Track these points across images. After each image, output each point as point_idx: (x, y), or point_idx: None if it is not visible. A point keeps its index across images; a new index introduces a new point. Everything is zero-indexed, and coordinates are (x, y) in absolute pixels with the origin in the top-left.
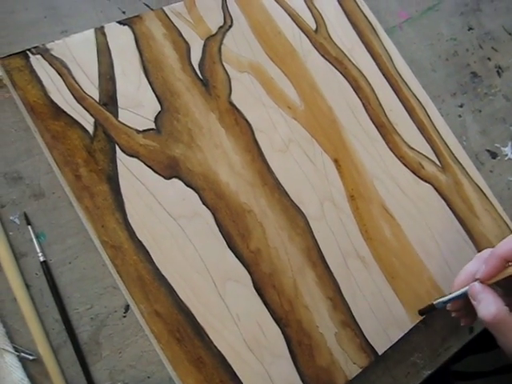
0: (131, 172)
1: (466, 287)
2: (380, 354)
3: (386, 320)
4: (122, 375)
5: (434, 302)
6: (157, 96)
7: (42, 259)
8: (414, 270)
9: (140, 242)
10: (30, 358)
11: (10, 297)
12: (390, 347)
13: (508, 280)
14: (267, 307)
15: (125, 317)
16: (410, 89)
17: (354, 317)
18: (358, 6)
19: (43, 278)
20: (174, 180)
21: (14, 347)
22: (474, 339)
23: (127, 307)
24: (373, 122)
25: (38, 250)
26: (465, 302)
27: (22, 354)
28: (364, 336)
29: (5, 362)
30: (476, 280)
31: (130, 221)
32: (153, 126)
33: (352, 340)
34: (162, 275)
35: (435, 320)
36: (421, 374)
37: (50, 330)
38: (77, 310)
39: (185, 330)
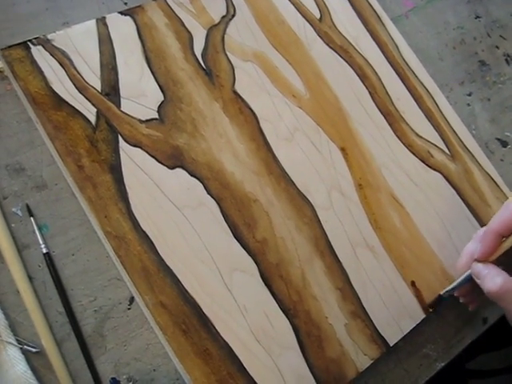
0: (134, 162)
1: (469, 271)
2: (391, 345)
3: (397, 311)
4: (127, 368)
5: (441, 293)
6: (160, 86)
7: (44, 251)
8: (425, 259)
9: (144, 232)
10: (34, 350)
11: (12, 289)
12: (402, 339)
13: (507, 256)
14: (275, 298)
15: (129, 309)
16: (417, 77)
17: (363, 307)
18: None
19: (46, 270)
20: (178, 170)
21: (17, 340)
22: (487, 337)
23: (132, 299)
24: (380, 111)
25: (41, 241)
26: (471, 285)
27: (25, 347)
28: (375, 327)
29: (8, 355)
30: (475, 261)
31: (133, 211)
32: (156, 115)
33: (362, 331)
34: (167, 266)
35: (448, 311)
36: (434, 366)
37: (53, 322)
38: (80, 302)
39: (191, 321)
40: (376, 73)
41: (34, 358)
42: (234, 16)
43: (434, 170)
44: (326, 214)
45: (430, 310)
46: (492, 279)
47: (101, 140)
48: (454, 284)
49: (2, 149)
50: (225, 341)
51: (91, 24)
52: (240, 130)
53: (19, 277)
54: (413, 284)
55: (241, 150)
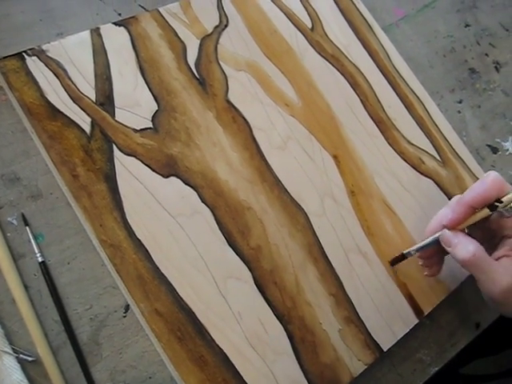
0: (129, 171)
1: (437, 234)
2: (385, 350)
3: (390, 316)
4: (123, 376)
5: (405, 252)
6: (153, 95)
7: (40, 260)
8: (417, 264)
9: (139, 240)
10: (29, 359)
11: (8, 298)
12: (396, 344)
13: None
14: (269, 304)
15: (125, 317)
16: (408, 85)
17: (357, 313)
18: (354, 4)
19: (42, 279)
20: (172, 178)
21: (13, 349)
22: (481, 342)
23: (127, 307)
24: (371, 118)
25: (37, 250)
26: (434, 250)
27: (21, 356)
28: (368, 332)
29: (3, 364)
30: (444, 227)
31: (128, 219)
32: (150, 125)
33: (356, 336)
34: (162, 274)
35: (441, 316)
36: (428, 371)
37: (49, 330)
38: (76, 310)
39: (186, 328)
40: (367, 81)
41: (30, 367)
42: (226, 26)
43: (426, 176)
44: (319, 220)
45: (391, 267)
46: (465, 247)
47: (95, 149)
48: (420, 244)
49: None
50: (220, 347)
51: (85, 35)
52: (233, 138)
53: (15, 286)
54: (405, 289)
55: (234, 158)
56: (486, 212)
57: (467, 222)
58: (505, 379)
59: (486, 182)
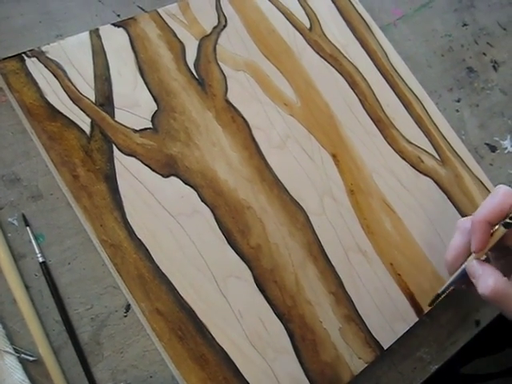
0: (129, 171)
1: (463, 266)
2: (385, 348)
3: (390, 314)
4: (125, 375)
5: (439, 292)
6: (153, 96)
7: (41, 260)
8: (417, 262)
9: (139, 240)
10: (31, 359)
11: (9, 298)
12: (396, 342)
13: (500, 244)
14: (269, 303)
15: (126, 316)
16: (406, 84)
17: (357, 311)
18: (352, 4)
19: (43, 279)
20: (172, 178)
21: (15, 348)
22: (482, 341)
23: (128, 306)
24: (370, 117)
25: (37, 251)
26: (466, 278)
27: (23, 356)
28: (369, 330)
29: (5, 364)
30: (471, 253)
31: (128, 219)
32: (150, 125)
33: (356, 335)
34: (163, 273)
35: (441, 314)
36: (428, 369)
37: (50, 330)
38: (77, 310)
39: (186, 327)
40: (366, 80)
41: (32, 367)
42: (225, 26)
43: (425, 175)
44: (319, 219)
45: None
46: (485, 281)
47: (95, 150)
48: (450, 281)
49: None
50: (220, 346)
51: (85, 36)
52: (233, 138)
53: (16, 286)
54: (405, 287)
55: (234, 157)
56: (501, 231)
57: (491, 241)
58: (505, 378)
59: (498, 195)
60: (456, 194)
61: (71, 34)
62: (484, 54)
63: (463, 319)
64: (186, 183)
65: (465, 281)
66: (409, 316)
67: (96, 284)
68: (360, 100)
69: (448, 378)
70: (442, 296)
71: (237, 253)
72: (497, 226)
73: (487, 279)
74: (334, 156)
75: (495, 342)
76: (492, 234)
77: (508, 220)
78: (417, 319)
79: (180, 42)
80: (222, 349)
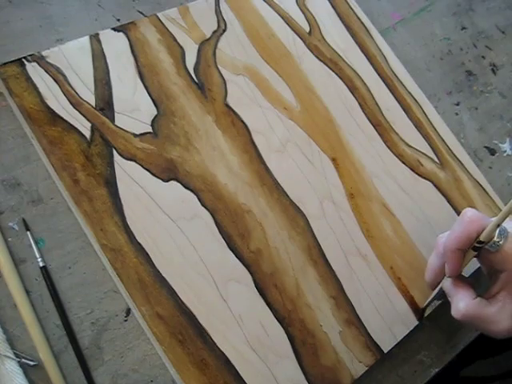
0: (129, 175)
1: (440, 285)
2: (386, 351)
3: (390, 317)
4: (125, 379)
5: (424, 306)
6: (153, 100)
7: (41, 265)
8: (417, 266)
9: (140, 244)
10: (31, 363)
11: (10, 303)
12: (396, 345)
13: (480, 260)
14: (269, 307)
15: (126, 320)
16: (405, 88)
17: (357, 315)
18: (351, 8)
19: (43, 284)
20: (172, 182)
21: (15, 353)
22: (482, 343)
23: (128, 311)
24: (370, 121)
25: (38, 255)
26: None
27: (23, 360)
28: (369, 334)
29: (5, 369)
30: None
31: (129, 224)
32: (149, 129)
33: (357, 338)
34: (163, 277)
35: (441, 317)
36: (428, 372)
37: (50, 335)
38: (77, 314)
39: (187, 331)
40: (365, 84)
41: (32, 372)
42: (224, 31)
43: (424, 178)
44: (319, 223)
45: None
46: (456, 305)
47: (96, 154)
48: (432, 297)
49: None
50: (221, 350)
51: (85, 40)
52: (232, 142)
53: (16, 291)
54: (405, 291)
55: (234, 162)
56: (471, 253)
57: (463, 265)
58: (505, 380)
59: (464, 221)
60: (455, 197)
61: (71, 39)
62: (483, 57)
63: None
64: (186, 187)
65: (444, 296)
66: (409, 319)
67: (96, 288)
68: (360, 104)
69: (448, 380)
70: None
71: (237, 257)
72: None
73: (458, 303)
74: (333, 160)
75: (495, 344)
76: (464, 256)
77: (476, 244)
78: (417, 323)
79: (180, 46)
80: (223, 353)
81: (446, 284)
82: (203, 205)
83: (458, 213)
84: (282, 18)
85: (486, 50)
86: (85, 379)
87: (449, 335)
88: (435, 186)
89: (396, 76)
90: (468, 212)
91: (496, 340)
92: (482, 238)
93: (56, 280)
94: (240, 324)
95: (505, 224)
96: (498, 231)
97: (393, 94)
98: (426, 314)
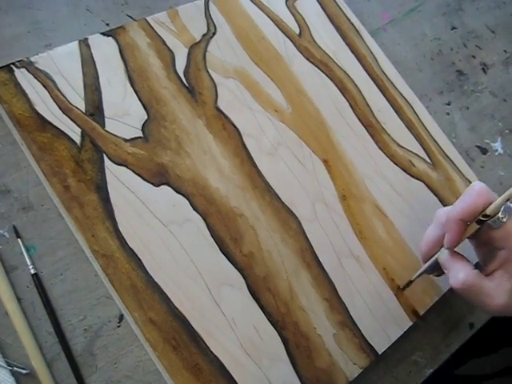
0: (120, 180)
1: (434, 257)
2: (380, 353)
3: (384, 319)
4: None
5: (412, 279)
6: (143, 104)
7: (32, 272)
8: (410, 266)
9: (131, 250)
10: (24, 372)
11: (1, 311)
12: (390, 346)
13: (479, 236)
14: (263, 310)
15: (119, 327)
16: (396, 88)
17: (351, 317)
18: (341, 10)
19: (35, 291)
20: (164, 187)
21: (7, 362)
22: (477, 342)
23: (121, 317)
24: (361, 122)
25: (29, 262)
26: (436, 264)
27: (15, 369)
28: (363, 336)
29: None
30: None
31: (120, 229)
32: (140, 134)
33: (351, 340)
34: (155, 282)
35: (434, 317)
36: (423, 373)
37: (42, 343)
38: (70, 321)
39: (180, 336)
40: (356, 85)
41: (25, 380)
42: (214, 34)
43: (416, 178)
44: (311, 225)
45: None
46: (455, 275)
47: (86, 160)
48: (423, 269)
49: None
50: (215, 355)
51: (73, 45)
52: (224, 145)
53: (7, 298)
54: (398, 292)
55: (225, 165)
56: (474, 227)
57: (463, 237)
58: (501, 378)
59: (472, 194)
60: (447, 196)
61: (60, 44)
62: (473, 56)
63: (457, 322)
64: (177, 192)
65: (436, 269)
66: (403, 321)
67: (89, 295)
68: (351, 105)
69: (443, 380)
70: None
71: (229, 261)
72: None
73: (458, 273)
74: (325, 162)
75: (490, 343)
76: (466, 229)
77: (481, 217)
78: (411, 323)
79: (169, 50)
80: (217, 358)
81: (443, 256)
82: (195, 209)
83: None
84: (272, 20)
85: (477, 49)
86: None
87: (443, 335)
88: (427, 186)
89: (387, 76)
90: (476, 185)
91: (491, 338)
92: (488, 212)
93: (48, 287)
94: (233, 328)
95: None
96: (503, 208)
97: (384, 94)
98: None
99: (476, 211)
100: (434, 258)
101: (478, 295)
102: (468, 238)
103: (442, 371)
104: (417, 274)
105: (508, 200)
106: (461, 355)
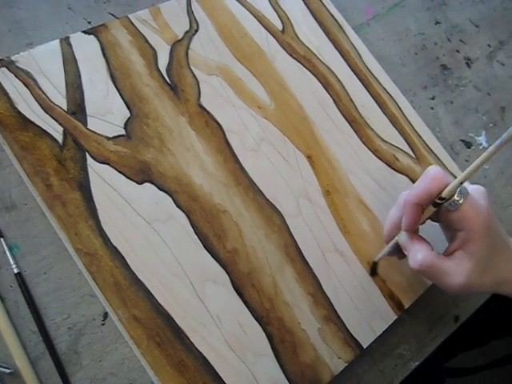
0: (103, 179)
1: (396, 238)
2: (365, 347)
3: (369, 313)
4: (104, 383)
5: (376, 260)
6: (125, 102)
7: (16, 271)
8: (394, 260)
9: (115, 247)
10: (7, 371)
11: None
12: (376, 340)
13: (439, 218)
14: (247, 306)
15: (103, 324)
16: (380, 83)
17: (336, 311)
18: (324, 5)
19: (18, 290)
20: (147, 184)
21: None
22: (467, 335)
23: (105, 314)
24: (345, 118)
25: (12, 262)
26: (398, 246)
27: None
28: (348, 330)
29: None
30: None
31: (103, 227)
32: (123, 132)
33: (336, 335)
34: (139, 280)
35: (419, 311)
36: (408, 366)
37: (27, 342)
38: (54, 320)
39: (164, 333)
40: (339, 81)
41: (9, 379)
42: (197, 31)
43: (401, 173)
44: (295, 221)
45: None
46: (413, 256)
47: (68, 158)
48: (385, 251)
49: None
50: (199, 351)
51: (55, 44)
52: (207, 142)
53: None
54: (383, 286)
55: (208, 162)
56: (431, 209)
57: (420, 220)
58: (492, 370)
59: (426, 178)
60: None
61: (42, 43)
62: (457, 51)
63: (442, 315)
64: (160, 189)
65: (398, 251)
66: (387, 314)
67: (73, 293)
68: (334, 101)
69: (429, 372)
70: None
71: (213, 257)
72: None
73: (416, 254)
74: (309, 157)
75: (479, 335)
76: (423, 212)
77: (437, 200)
78: (395, 317)
79: (152, 47)
80: (201, 354)
81: (402, 237)
82: (178, 206)
83: None
84: (255, 16)
85: (461, 43)
86: None
87: (428, 328)
88: (411, 180)
89: (370, 72)
90: (431, 169)
91: (480, 331)
92: (443, 195)
93: (31, 286)
94: (218, 324)
95: (467, 186)
96: (458, 190)
97: (367, 89)
98: (376, 270)
99: (431, 195)
100: (395, 240)
101: (437, 275)
102: (433, 220)
103: (431, 365)
104: (380, 255)
105: (463, 182)
106: (451, 348)
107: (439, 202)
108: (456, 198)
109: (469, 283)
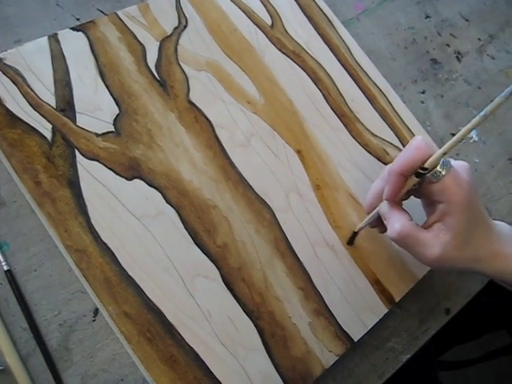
0: (92, 175)
1: (377, 209)
2: (356, 340)
3: (359, 306)
4: (95, 380)
5: (356, 230)
6: (114, 99)
7: (6, 268)
8: (385, 254)
9: (105, 244)
10: None
11: None
12: (367, 333)
13: (421, 190)
14: (238, 301)
15: (94, 321)
16: (369, 77)
17: (326, 305)
18: (313, 0)
19: (8, 288)
20: (136, 181)
21: None
22: (460, 328)
23: (96, 311)
24: (334, 112)
25: (2, 259)
26: (379, 217)
27: None
28: (338, 324)
29: None
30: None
31: (93, 224)
32: (112, 128)
33: (326, 328)
34: (129, 276)
35: (410, 304)
36: (400, 359)
37: (17, 339)
38: (45, 317)
39: (155, 329)
40: (329, 75)
41: None
42: (186, 27)
43: None
44: (285, 216)
45: (349, 245)
46: (392, 224)
47: (57, 155)
48: (365, 221)
49: None
50: (190, 346)
51: (43, 41)
52: (196, 138)
53: None
54: (374, 279)
55: (198, 157)
56: (414, 180)
57: (402, 191)
58: (485, 362)
59: (410, 148)
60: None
61: (30, 40)
62: (447, 45)
63: (433, 308)
64: (150, 185)
65: (379, 223)
66: (378, 308)
67: (63, 290)
68: (324, 95)
69: (422, 365)
70: (357, 234)
71: (203, 252)
72: None
73: (394, 223)
74: (298, 152)
75: (473, 328)
76: (406, 182)
77: (420, 170)
78: (386, 310)
79: (140, 43)
80: (192, 349)
81: (383, 207)
82: (168, 202)
83: None
84: (244, 11)
85: (451, 37)
86: (54, 381)
87: (419, 321)
88: None
89: (360, 66)
90: (415, 140)
91: (473, 325)
92: (426, 165)
93: (22, 283)
94: (208, 319)
95: (452, 161)
96: (442, 162)
97: (357, 84)
98: (354, 240)
99: (414, 165)
100: (376, 210)
101: (413, 245)
102: (415, 196)
103: (423, 358)
104: (360, 226)
105: (446, 153)
106: (445, 342)
107: (422, 172)
108: (439, 169)
109: (444, 256)
